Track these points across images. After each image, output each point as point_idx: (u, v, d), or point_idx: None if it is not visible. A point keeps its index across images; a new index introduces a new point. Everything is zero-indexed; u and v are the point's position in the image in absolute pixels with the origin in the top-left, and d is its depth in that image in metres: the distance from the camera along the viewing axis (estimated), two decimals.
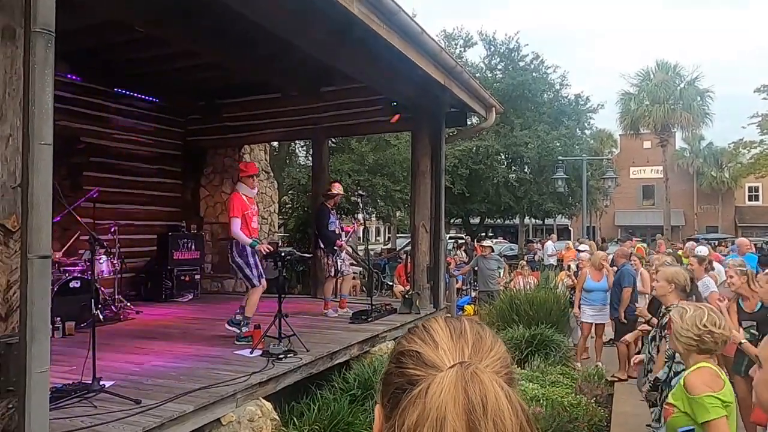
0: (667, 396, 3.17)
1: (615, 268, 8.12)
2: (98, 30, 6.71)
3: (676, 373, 3.04)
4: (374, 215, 20.52)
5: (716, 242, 20.92)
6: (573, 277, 8.73)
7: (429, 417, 0.67)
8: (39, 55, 2.53)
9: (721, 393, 2.25)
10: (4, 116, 2.52)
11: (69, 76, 7.57)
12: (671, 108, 29.72)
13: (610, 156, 33.86)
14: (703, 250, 8.95)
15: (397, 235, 29.09)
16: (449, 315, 5.41)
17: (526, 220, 31.08)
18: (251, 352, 4.97)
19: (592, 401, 5.51)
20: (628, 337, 5.43)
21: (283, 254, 5.51)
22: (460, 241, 22.19)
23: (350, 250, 7.86)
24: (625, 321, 6.74)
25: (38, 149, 2.52)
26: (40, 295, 2.51)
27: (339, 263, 7.12)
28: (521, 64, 23.58)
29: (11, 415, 2.47)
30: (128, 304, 7.36)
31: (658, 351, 3.60)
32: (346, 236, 7.51)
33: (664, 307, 3.72)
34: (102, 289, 6.85)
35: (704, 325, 2.40)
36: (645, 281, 7.34)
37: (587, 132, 27.32)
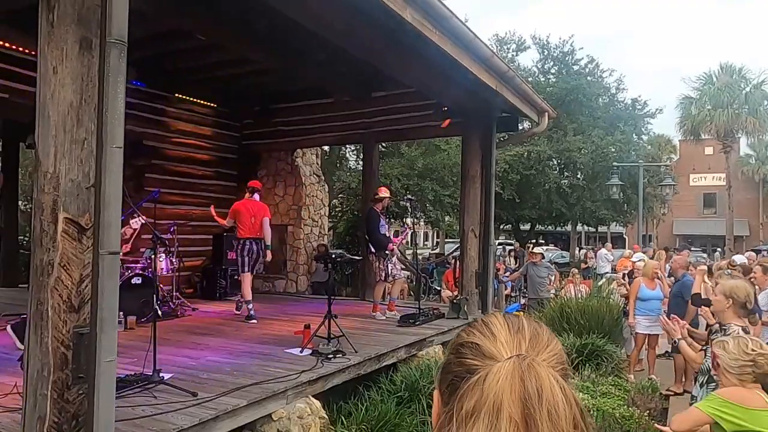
0: None
1: (672, 279, 7.87)
2: (161, 38, 7.05)
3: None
4: (423, 220, 20.50)
5: None
6: (627, 286, 8.49)
7: (486, 402, 0.71)
8: (113, 64, 2.69)
9: (746, 410, 2.31)
10: (80, 121, 2.70)
11: (134, 82, 7.96)
12: (735, 113, 28.34)
13: (669, 162, 32.62)
14: (740, 258, 8.56)
15: (446, 240, 28.96)
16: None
17: (579, 227, 30.36)
18: (301, 351, 5.08)
19: (645, 414, 5.34)
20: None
21: (333, 256, 5.62)
22: (509, 248, 21.91)
23: (399, 254, 7.92)
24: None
25: (110, 152, 2.69)
26: (109, 288, 2.68)
27: (390, 267, 7.17)
28: (575, 68, 23.13)
29: (81, 400, 2.64)
30: (185, 301, 7.65)
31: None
32: (398, 236, 7.59)
33: (717, 324, 3.49)
34: (161, 286, 7.14)
35: (752, 350, 2.40)
36: (709, 294, 7.08)
37: (644, 137, 26.49)
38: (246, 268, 7.19)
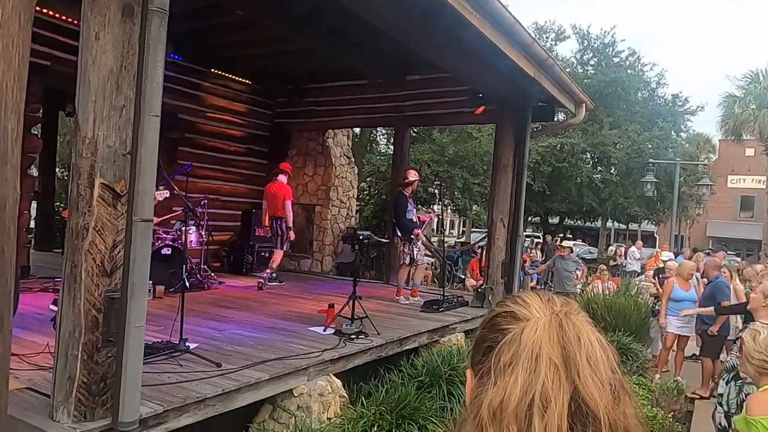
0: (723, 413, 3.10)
1: (705, 280, 7.67)
2: (199, 13, 7.06)
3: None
4: (450, 207, 20.37)
5: None
6: (658, 286, 8.31)
7: (525, 350, 0.73)
8: (153, 32, 2.70)
9: None
10: (119, 88, 2.72)
11: (171, 55, 8.02)
12: None
13: (707, 162, 31.69)
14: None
15: (472, 229, 28.79)
16: None
17: (609, 223, 29.84)
18: (324, 330, 5.11)
19: (669, 416, 5.25)
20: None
21: (361, 237, 5.62)
22: (536, 241, 21.65)
23: (424, 239, 7.91)
24: (716, 334, 6.36)
25: (148, 120, 2.71)
26: (141, 255, 2.71)
27: (415, 252, 7.15)
28: (615, 60, 22.56)
29: (110, 362, 2.69)
30: (212, 274, 7.76)
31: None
32: (422, 226, 7.58)
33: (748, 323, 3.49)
34: (189, 258, 7.24)
35: None
36: (740, 295, 6.90)
37: (683, 135, 25.79)
38: (275, 245, 8.11)
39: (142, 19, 2.74)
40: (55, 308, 4.86)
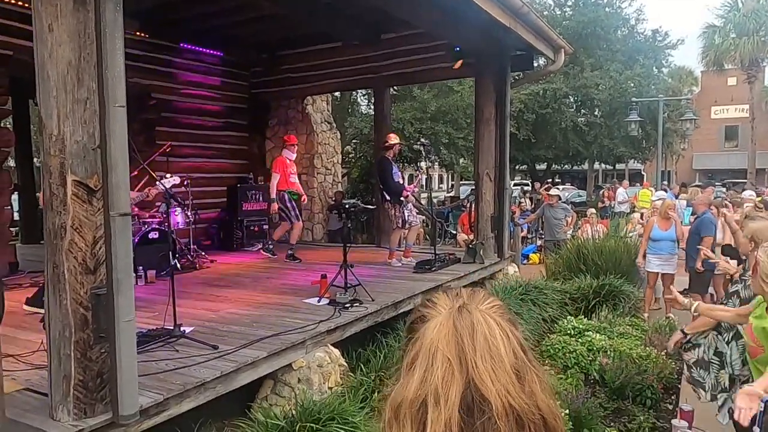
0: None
1: (695, 216, 7.76)
2: None
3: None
4: (437, 163, 20.30)
5: None
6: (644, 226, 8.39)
7: (423, 349, 0.80)
8: (109, 18, 2.60)
9: None
10: (81, 81, 2.63)
11: (138, 33, 7.78)
12: (761, 40, 27.09)
13: (690, 95, 31.57)
14: (748, 194, 8.53)
15: (461, 182, 28.79)
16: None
17: (596, 165, 29.93)
18: (318, 301, 5.14)
19: (662, 354, 5.37)
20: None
21: (347, 206, 5.59)
22: (525, 188, 21.72)
23: (414, 199, 7.89)
24: (702, 270, 6.47)
25: (113, 111, 2.63)
26: (122, 250, 2.68)
27: (406, 213, 7.13)
28: None
29: (104, 359, 2.70)
30: (203, 253, 7.74)
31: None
32: (413, 182, 7.57)
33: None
34: (178, 239, 7.20)
35: None
36: (727, 231, 7.00)
37: (665, 70, 25.64)
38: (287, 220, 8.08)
39: (96, 5, 2.63)
40: (28, 308, 4.82)
